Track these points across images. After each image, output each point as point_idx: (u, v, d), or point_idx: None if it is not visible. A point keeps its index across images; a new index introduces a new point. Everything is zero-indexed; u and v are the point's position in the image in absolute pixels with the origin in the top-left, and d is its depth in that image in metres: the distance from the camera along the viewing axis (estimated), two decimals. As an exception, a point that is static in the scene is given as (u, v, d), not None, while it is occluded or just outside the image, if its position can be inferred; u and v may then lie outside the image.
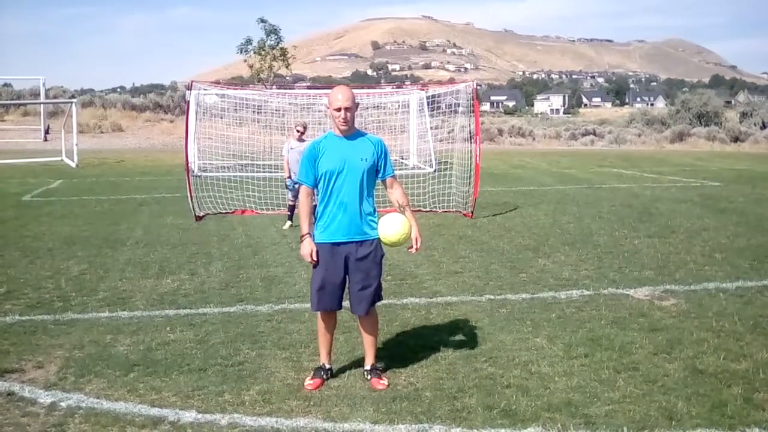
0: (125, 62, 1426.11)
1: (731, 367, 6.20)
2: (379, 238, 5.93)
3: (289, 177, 14.17)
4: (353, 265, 5.88)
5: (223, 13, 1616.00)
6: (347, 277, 5.94)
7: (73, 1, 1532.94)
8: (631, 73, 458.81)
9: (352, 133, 5.91)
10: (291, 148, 14.06)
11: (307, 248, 5.82)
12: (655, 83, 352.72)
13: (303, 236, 5.86)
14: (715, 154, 43.96)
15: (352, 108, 5.83)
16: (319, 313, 6.06)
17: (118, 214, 16.24)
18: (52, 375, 6.12)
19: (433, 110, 27.09)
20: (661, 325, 7.47)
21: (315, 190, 5.95)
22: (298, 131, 14.34)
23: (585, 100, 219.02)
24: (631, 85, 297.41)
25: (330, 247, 5.85)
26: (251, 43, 50.03)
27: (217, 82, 34.40)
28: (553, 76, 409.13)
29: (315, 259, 5.81)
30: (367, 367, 6.07)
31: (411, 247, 5.99)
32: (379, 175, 5.99)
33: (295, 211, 14.28)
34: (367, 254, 5.89)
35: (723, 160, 37.14)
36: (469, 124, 18.95)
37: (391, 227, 5.87)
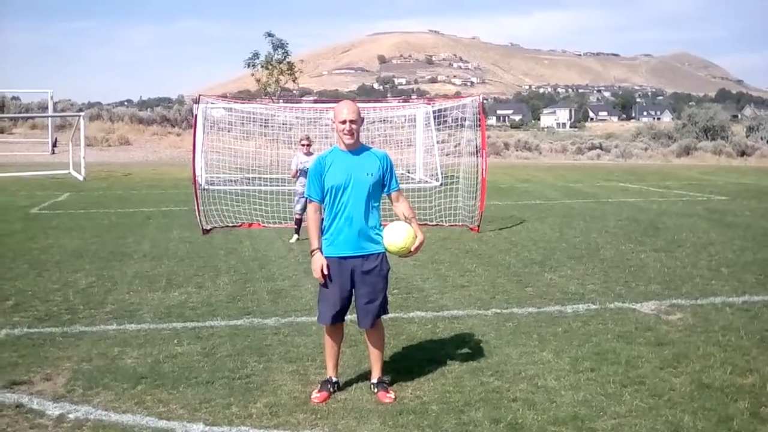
0: (132, 76, 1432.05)
1: (738, 382, 6.20)
2: (385, 253, 5.97)
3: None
4: (359, 279, 5.91)
5: (231, 27, 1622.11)
6: (353, 290, 5.97)
7: (81, 14, 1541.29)
8: (637, 87, 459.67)
9: (357, 147, 5.95)
10: (301, 163, 14.03)
11: (318, 263, 5.83)
12: (661, 97, 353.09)
13: (313, 251, 5.88)
14: (721, 168, 43.94)
15: (358, 121, 5.87)
16: (325, 326, 6.08)
17: (126, 227, 16.28)
18: (61, 387, 6.15)
19: (440, 124, 27.13)
20: (667, 340, 7.47)
21: (323, 206, 5.99)
22: (303, 144, 14.39)
23: (591, 114, 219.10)
24: (638, 99, 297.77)
25: (336, 261, 5.88)
26: (258, 57, 50.15)
27: (225, 96, 34.58)
28: (559, 90, 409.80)
29: (326, 273, 5.83)
30: (374, 380, 6.08)
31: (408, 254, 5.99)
32: (385, 190, 6.02)
33: (303, 224, 14.33)
34: (373, 268, 5.92)
35: (729, 174, 37.14)
36: (476, 138, 18.97)
37: (397, 234, 5.89)
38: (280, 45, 50.14)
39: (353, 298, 6.01)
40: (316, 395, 5.90)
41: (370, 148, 6.10)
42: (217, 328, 8.02)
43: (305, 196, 6.18)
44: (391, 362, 6.72)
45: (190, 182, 17.46)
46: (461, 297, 9.54)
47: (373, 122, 29.39)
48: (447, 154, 28.39)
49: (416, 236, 5.92)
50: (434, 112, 27.20)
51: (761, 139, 59.67)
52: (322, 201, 5.91)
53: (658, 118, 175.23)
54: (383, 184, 5.98)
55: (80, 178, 30.71)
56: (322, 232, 6.02)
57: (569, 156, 57.35)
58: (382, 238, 5.96)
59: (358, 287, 5.93)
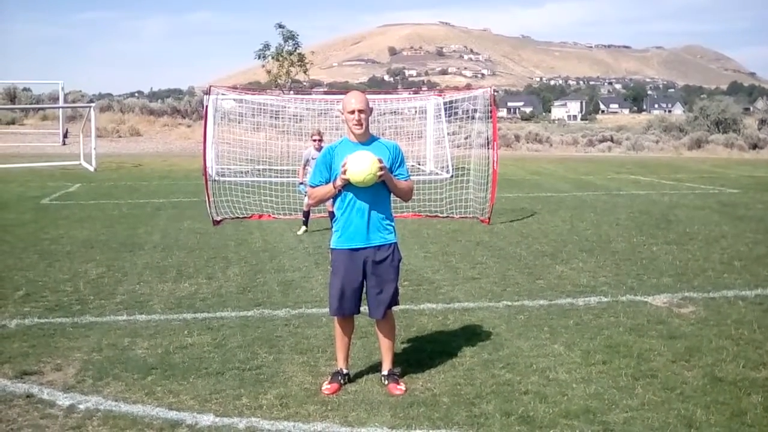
0: (143, 67, 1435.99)
1: (751, 376, 6.16)
2: (396, 243, 5.96)
3: (301, 183, 14.28)
4: (371, 269, 5.89)
5: (242, 18, 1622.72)
6: (365, 281, 5.95)
7: (92, 5, 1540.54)
8: (648, 80, 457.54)
9: (367, 138, 5.92)
10: (312, 158, 13.81)
11: (338, 180, 5.73)
12: (672, 90, 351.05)
13: (333, 184, 5.78)
14: (733, 161, 43.72)
15: (366, 111, 5.84)
16: (336, 318, 6.07)
17: (136, 218, 16.31)
18: (71, 377, 6.16)
19: (450, 116, 27.08)
20: (679, 333, 7.43)
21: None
22: (315, 140, 14.15)
23: (602, 107, 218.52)
24: (649, 92, 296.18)
25: (348, 252, 5.86)
26: (269, 49, 50.01)
27: (235, 87, 34.50)
28: (570, 82, 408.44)
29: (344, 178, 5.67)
30: (385, 372, 6.07)
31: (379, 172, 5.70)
32: (395, 179, 5.98)
33: (310, 216, 14.31)
34: (385, 258, 5.90)
35: (741, 167, 36.94)
36: (486, 130, 18.94)
37: (361, 163, 5.68)
38: (290, 36, 50.00)
39: (364, 290, 5.99)
40: (326, 387, 5.88)
41: (380, 138, 6.07)
42: (228, 319, 8.02)
43: (309, 183, 6.15)
44: (402, 354, 6.70)
45: (201, 173, 17.46)
46: (472, 289, 9.51)
47: (384, 114, 29.37)
48: (458, 146, 28.37)
49: (379, 167, 5.68)
50: (445, 103, 27.15)
51: (773, 132, 59.32)
52: None
53: (670, 111, 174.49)
54: (393, 174, 5.94)
55: (91, 169, 30.76)
56: (332, 222, 6.03)
57: (580, 148, 57.14)
58: (393, 228, 5.97)
59: (370, 278, 5.91)
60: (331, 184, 5.81)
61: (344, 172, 5.66)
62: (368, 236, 5.85)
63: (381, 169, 5.69)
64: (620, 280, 10.01)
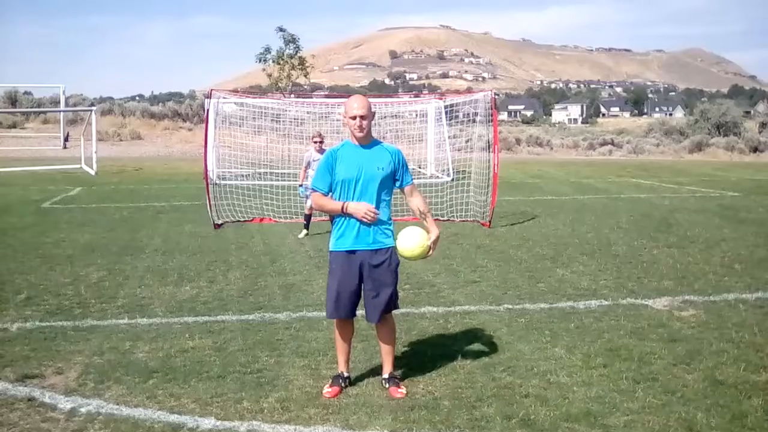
0: (144, 70, 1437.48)
1: (751, 379, 6.16)
2: (394, 247, 5.96)
3: (301, 185, 14.32)
4: (368, 273, 5.89)
5: (242, 21, 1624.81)
6: (362, 285, 5.96)
7: (93, 9, 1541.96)
8: (649, 83, 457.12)
9: (368, 142, 5.94)
10: (314, 160, 13.92)
11: (361, 205, 5.79)
12: (673, 93, 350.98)
13: (343, 206, 5.80)
14: (734, 164, 43.74)
15: (368, 116, 5.85)
16: (335, 321, 6.08)
17: (137, 221, 16.32)
18: (72, 381, 6.16)
19: (451, 119, 27.09)
20: (680, 336, 7.43)
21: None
22: (315, 141, 14.31)
23: (603, 110, 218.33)
24: (650, 95, 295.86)
25: (345, 255, 5.87)
26: (270, 52, 50.05)
27: (236, 91, 34.52)
28: (571, 85, 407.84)
29: (373, 209, 5.79)
30: (385, 375, 6.07)
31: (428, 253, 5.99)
32: (398, 184, 6.00)
33: (312, 219, 14.32)
34: (382, 262, 5.90)
35: (742, 170, 36.95)
36: (487, 134, 18.92)
37: (411, 240, 5.88)
38: (291, 40, 50.01)
39: (362, 293, 6.00)
40: (327, 390, 5.89)
41: (382, 143, 6.08)
42: (229, 322, 8.02)
43: (311, 187, 6.17)
44: (403, 357, 6.71)
45: (202, 177, 17.47)
46: (473, 292, 9.51)
47: (384, 117, 29.34)
48: (458, 150, 28.37)
49: (429, 247, 5.96)
50: (445, 107, 27.15)
51: (774, 135, 59.33)
52: (327, 193, 5.90)
53: (670, 114, 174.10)
54: (395, 179, 5.96)
55: (92, 172, 30.78)
56: (332, 225, 6.03)
57: (581, 152, 57.18)
58: (392, 232, 5.97)
59: (366, 281, 5.91)
60: (340, 206, 5.81)
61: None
62: (366, 239, 5.85)
63: (433, 246, 6.02)
64: (621, 283, 10.01)
